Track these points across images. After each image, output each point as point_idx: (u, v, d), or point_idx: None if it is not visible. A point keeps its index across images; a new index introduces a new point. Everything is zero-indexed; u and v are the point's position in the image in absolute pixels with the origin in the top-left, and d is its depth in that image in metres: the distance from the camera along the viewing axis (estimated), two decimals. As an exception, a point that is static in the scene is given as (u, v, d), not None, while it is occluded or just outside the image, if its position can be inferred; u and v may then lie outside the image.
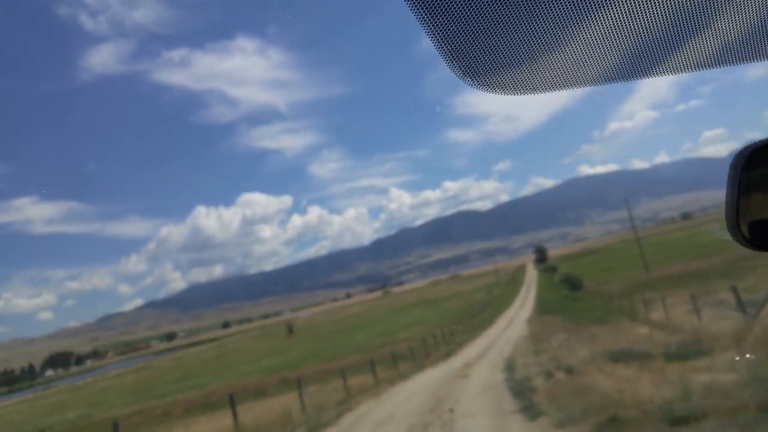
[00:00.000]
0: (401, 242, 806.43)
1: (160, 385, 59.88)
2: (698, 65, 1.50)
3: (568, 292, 50.35)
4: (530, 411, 6.92)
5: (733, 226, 1.23)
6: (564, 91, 1.55)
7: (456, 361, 17.17)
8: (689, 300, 20.19)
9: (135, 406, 41.72)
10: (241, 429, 9.01)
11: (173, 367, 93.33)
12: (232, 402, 9.38)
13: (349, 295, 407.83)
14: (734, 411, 4.43)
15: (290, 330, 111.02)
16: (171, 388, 51.99)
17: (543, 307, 38.59)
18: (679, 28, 1.40)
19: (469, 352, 20.03)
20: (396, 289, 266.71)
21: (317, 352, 54.69)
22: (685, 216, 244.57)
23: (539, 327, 23.97)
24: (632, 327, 18.29)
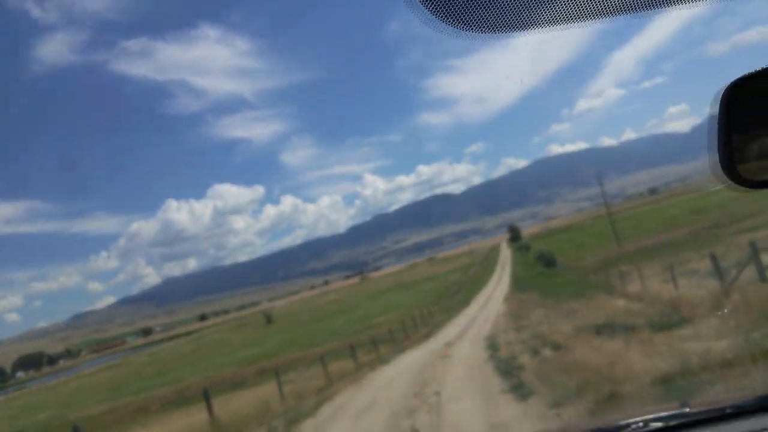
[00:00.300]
0: (377, 228, 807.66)
1: (135, 381, 58.74)
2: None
3: (543, 269, 50.81)
4: (520, 390, 6.61)
5: (726, 166, 1.25)
6: (543, 29, 1.41)
7: (436, 342, 16.95)
8: (663, 271, 20.36)
9: (108, 403, 40.72)
10: (216, 423, 8.54)
11: (149, 363, 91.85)
12: (206, 396, 8.87)
13: (326, 283, 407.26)
14: (736, 375, 4.20)
15: (268, 320, 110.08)
16: (146, 384, 50.97)
17: (518, 285, 38.80)
18: None
19: (448, 331, 19.85)
20: (373, 275, 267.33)
21: (295, 341, 54.24)
22: (652, 191, 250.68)
23: (516, 304, 23.95)
24: (609, 300, 18.29)
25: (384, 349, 19.02)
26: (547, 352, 8.30)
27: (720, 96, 1.29)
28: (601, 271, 27.41)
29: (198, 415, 14.15)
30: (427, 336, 20.20)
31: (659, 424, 1.56)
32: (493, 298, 33.07)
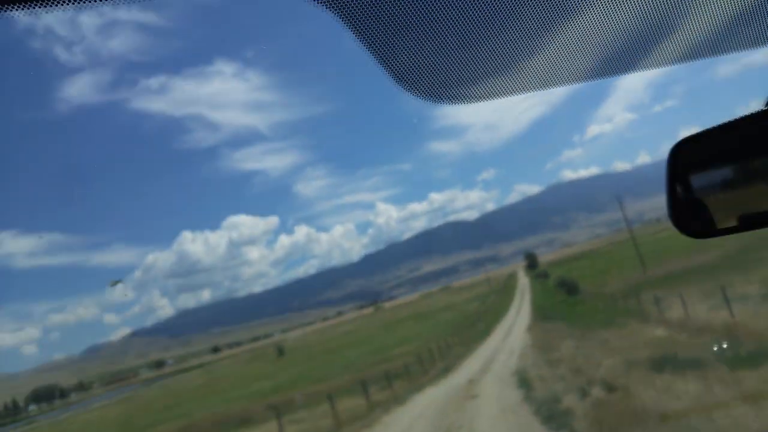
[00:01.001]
0: (390, 256, 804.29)
1: (143, 416, 57.09)
2: (668, 61, 1.59)
3: (565, 296, 48.82)
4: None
5: (673, 217, 1.39)
6: (540, 91, 1.56)
7: (458, 377, 15.30)
8: (702, 296, 18.57)
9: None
10: None
11: (159, 396, 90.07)
12: None
13: (340, 313, 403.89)
14: None
15: (280, 352, 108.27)
16: (154, 419, 49.33)
17: (541, 314, 36.96)
18: (648, 26, 1.47)
19: (470, 365, 18.17)
20: (387, 304, 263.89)
21: (308, 374, 52.42)
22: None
23: (542, 334, 22.24)
24: (646, 328, 16.60)
25: (399, 385, 17.42)
26: (598, 392, 6.75)
27: (671, 150, 1.42)
28: (630, 298, 25.71)
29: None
30: (447, 370, 18.52)
31: None
32: (515, 328, 31.26)
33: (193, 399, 62.65)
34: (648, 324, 17.61)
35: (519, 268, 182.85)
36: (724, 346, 8.87)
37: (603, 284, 43.00)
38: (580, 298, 41.90)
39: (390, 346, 52.83)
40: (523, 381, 10.09)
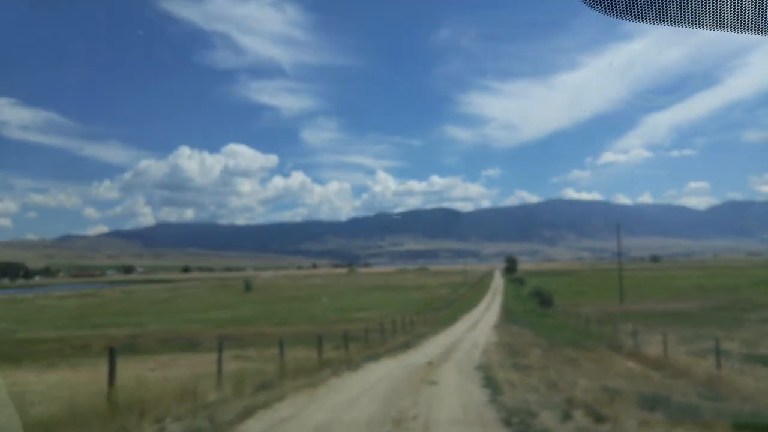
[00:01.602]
0: (377, 225, 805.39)
1: (99, 315, 56.96)
2: None
3: (536, 306, 48.72)
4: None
5: None
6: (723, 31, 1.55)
7: (417, 356, 14.79)
8: (684, 341, 18.16)
9: (62, 331, 38.92)
10: (114, 390, 6.40)
11: (120, 300, 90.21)
12: (111, 356, 6.55)
13: (315, 266, 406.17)
14: None
15: (248, 287, 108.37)
16: (107, 321, 49.16)
17: (509, 317, 36.73)
18: None
19: (431, 348, 17.72)
20: (362, 270, 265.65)
21: (268, 315, 52.31)
22: (654, 258, 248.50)
23: (508, 337, 21.86)
24: (617, 359, 16.17)
25: (355, 348, 16.97)
26: (583, 419, 5.94)
27: None
28: (604, 324, 25.37)
29: (119, 368, 11.97)
30: (407, 346, 18.05)
31: None
32: (482, 323, 30.98)
33: (150, 311, 62.52)
34: (618, 354, 17.21)
35: (497, 268, 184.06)
36: (712, 397, 8.35)
37: (578, 305, 42.78)
38: (551, 311, 41.72)
39: (354, 308, 52.73)
40: (489, 379, 9.46)
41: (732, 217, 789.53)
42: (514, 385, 8.53)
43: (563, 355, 16.15)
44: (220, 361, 9.24)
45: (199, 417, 5.87)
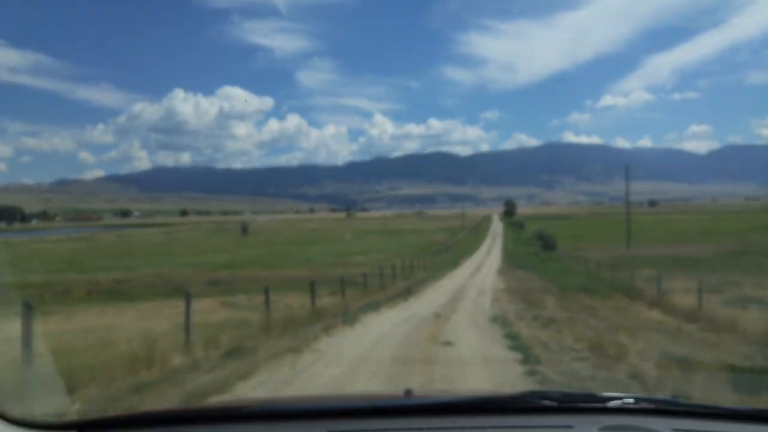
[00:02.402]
0: (375, 170, 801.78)
1: (91, 259, 55.73)
2: None
3: (538, 250, 47.55)
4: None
5: None
6: None
7: (421, 306, 13.28)
8: (711, 289, 16.64)
9: (50, 276, 37.60)
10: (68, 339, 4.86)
11: (114, 244, 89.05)
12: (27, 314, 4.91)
13: (312, 210, 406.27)
14: None
15: (244, 231, 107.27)
16: (97, 265, 47.86)
17: (512, 261, 35.45)
18: None
19: (435, 295, 16.26)
20: (360, 214, 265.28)
21: (263, 258, 51.16)
22: (652, 203, 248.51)
23: (515, 282, 20.45)
24: (639, 308, 14.69)
25: (353, 296, 15.49)
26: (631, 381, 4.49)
27: None
28: (614, 269, 23.97)
29: (81, 318, 10.43)
30: (408, 293, 16.57)
31: (651, 405, 1.54)
32: (484, 267, 29.65)
33: (143, 255, 61.34)
34: (636, 302, 15.75)
35: (495, 212, 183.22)
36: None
37: (581, 249, 41.51)
38: (556, 255, 40.47)
39: (352, 252, 51.52)
40: (514, 340, 7.79)
41: (732, 161, 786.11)
42: (547, 347, 6.92)
43: (579, 303, 14.71)
44: (187, 317, 7.60)
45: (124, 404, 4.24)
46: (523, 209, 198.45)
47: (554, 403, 1.57)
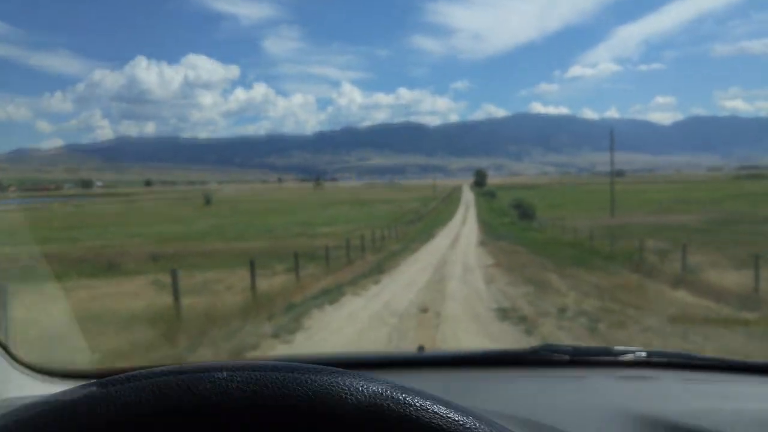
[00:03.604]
0: (344, 140, 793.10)
1: (35, 230, 51.27)
2: None
3: (516, 219, 45.41)
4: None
5: None
6: None
7: (397, 290, 10.28)
8: (738, 263, 14.21)
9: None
10: None
11: (67, 215, 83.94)
12: None
13: (280, 180, 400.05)
14: None
15: (207, 201, 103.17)
16: (39, 236, 43.72)
17: (491, 231, 32.97)
18: None
19: (413, 273, 13.34)
20: (329, 184, 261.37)
21: (223, 228, 47.70)
22: (619, 173, 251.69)
23: (503, 256, 17.76)
24: (660, 287, 12.09)
25: (311, 275, 12.52)
26: None
27: None
28: (606, 239, 21.63)
29: None
30: (379, 271, 13.62)
31: (663, 359, 1.53)
32: (463, 238, 27.00)
33: (95, 226, 57.11)
34: (649, 278, 13.19)
35: (465, 183, 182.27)
36: None
37: (560, 218, 39.35)
38: (536, 225, 38.21)
39: (318, 223, 48.47)
40: (531, 332, 5.08)
41: (695, 132, 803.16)
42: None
43: (586, 281, 12.09)
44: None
45: None
46: (491, 180, 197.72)
47: (566, 357, 1.53)
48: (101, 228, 53.46)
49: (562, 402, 1.26)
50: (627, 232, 24.04)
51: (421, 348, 1.81)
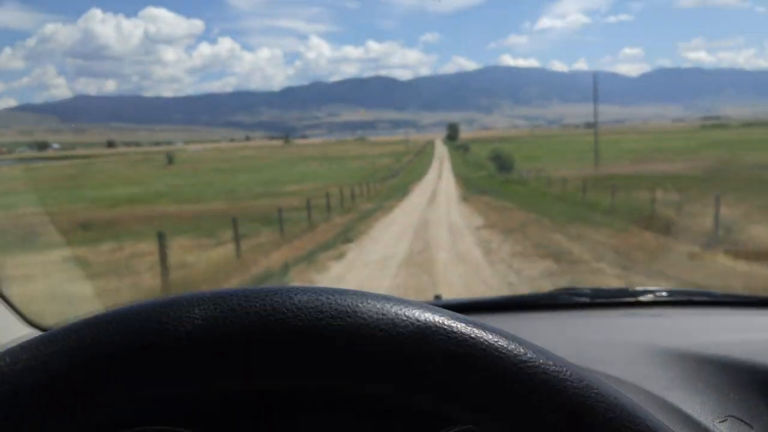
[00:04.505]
0: (313, 95, 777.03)
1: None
2: None
3: (494, 172, 43.28)
4: None
5: None
6: None
7: (368, 273, 7.70)
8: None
9: None
10: None
11: (15, 178, 78.52)
12: None
13: (248, 138, 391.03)
14: None
15: (170, 161, 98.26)
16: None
17: (470, 185, 30.72)
18: None
19: (387, 243, 10.79)
20: (299, 141, 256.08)
21: (181, 189, 44.39)
22: (589, 125, 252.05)
23: (493, 214, 15.39)
24: (679, 245, 9.82)
25: (259, 246, 9.91)
26: None
27: None
28: (600, 191, 19.57)
29: None
30: (346, 239, 11.04)
31: (684, 297, 1.52)
32: (441, 194, 24.64)
33: (43, 190, 52.99)
34: (669, 237, 10.93)
35: (438, 137, 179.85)
36: None
37: (540, 170, 37.26)
38: (516, 177, 36.03)
39: (285, 181, 45.52)
40: None
41: (661, 83, 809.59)
42: None
43: (599, 242, 9.77)
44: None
45: None
46: (463, 134, 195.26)
47: (586, 299, 1.49)
48: (47, 192, 49.45)
49: (586, 341, 1.24)
50: (621, 183, 21.98)
51: (437, 297, 1.70)
